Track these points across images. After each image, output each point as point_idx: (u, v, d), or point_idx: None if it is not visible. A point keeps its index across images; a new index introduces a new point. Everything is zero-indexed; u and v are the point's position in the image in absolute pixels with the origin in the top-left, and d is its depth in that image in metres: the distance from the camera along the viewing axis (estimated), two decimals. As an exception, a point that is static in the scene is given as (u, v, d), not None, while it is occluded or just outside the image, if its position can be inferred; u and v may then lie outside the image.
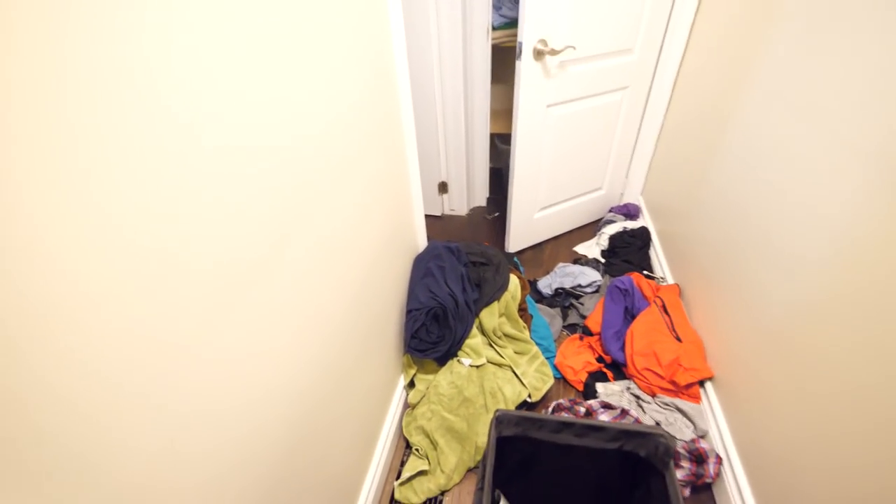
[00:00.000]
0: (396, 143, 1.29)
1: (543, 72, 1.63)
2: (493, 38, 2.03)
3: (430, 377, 1.48)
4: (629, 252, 2.03)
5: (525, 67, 1.58)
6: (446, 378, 1.46)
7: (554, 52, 1.56)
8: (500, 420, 0.91)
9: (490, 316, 1.55)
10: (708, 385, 1.42)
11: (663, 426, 1.35)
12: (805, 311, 0.97)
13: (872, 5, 0.84)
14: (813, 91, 1.01)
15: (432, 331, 1.40)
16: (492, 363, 1.52)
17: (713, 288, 1.45)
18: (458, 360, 1.50)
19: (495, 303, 1.56)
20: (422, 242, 1.67)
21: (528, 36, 1.51)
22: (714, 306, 1.44)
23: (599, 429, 0.89)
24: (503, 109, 2.61)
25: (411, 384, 1.49)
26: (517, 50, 1.55)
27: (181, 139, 0.49)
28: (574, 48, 1.58)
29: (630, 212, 2.29)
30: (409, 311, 1.43)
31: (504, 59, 2.27)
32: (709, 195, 1.52)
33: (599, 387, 1.54)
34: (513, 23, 2.19)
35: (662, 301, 1.62)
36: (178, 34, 0.47)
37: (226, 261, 0.58)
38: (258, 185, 0.64)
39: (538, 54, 1.56)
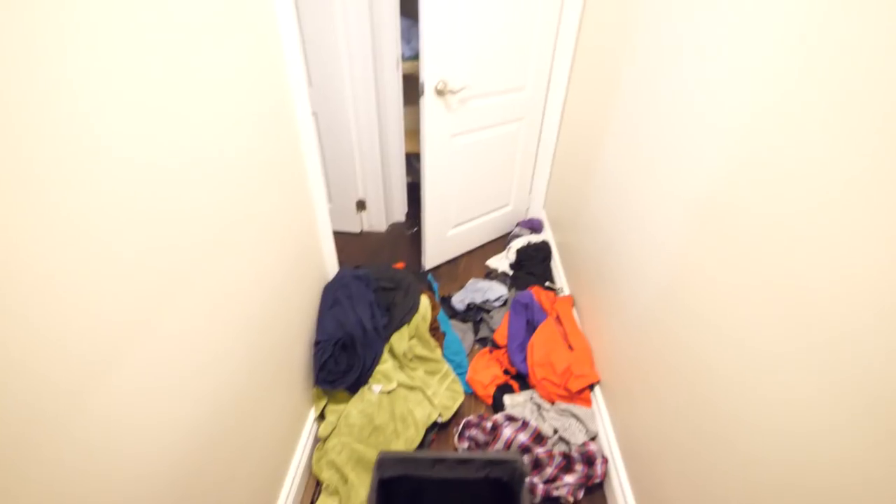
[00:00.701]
0: (297, 176, 1.29)
1: (445, 106, 1.71)
2: (403, 69, 2.10)
3: (342, 407, 1.46)
4: (533, 265, 2.18)
5: (428, 103, 1.65)
6: (357, 407, 1.46)
7: (453, 92, 1.66)
8: (382, 462, 0.96)
9: (400, 340, 1.59)
10: (597, 389, 1.57)
11: (560, 432, 1.48)
12: (649, 323, 1.13)
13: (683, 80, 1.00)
14: (645, 146, 1.18)
15: (341, 361, 1.41)
16: (403, 387, 1.56)
17: (596, 297, 1.61)
18: (369, 388, 1.52)
19: (405, 326, 1.60)
20: (332, 270, 1.67)
21: (428, 76, 1.59)
22: (597, 314, 1.60)
23: (468, 461, 0.98)
24: (417, 129, 2.67)
25: (322, 416, 1.48)
26: (420, 88, 1.62)
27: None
28: (471, 88, 1.69)
29: (534, 226, 2.45)
30: (316, 343, 1.43)
31: (416, 84, 2.33)
32: (588, 212, 1.70)
33: (506, 398, 1.64)
34: (421, 51, 2.26)
35: (558, 312, 1.77)
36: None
37: (110, 320, 0.59)
38: (141, 238, 0.65)
39: (439, 92, 1.64)
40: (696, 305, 0.93)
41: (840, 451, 0.59)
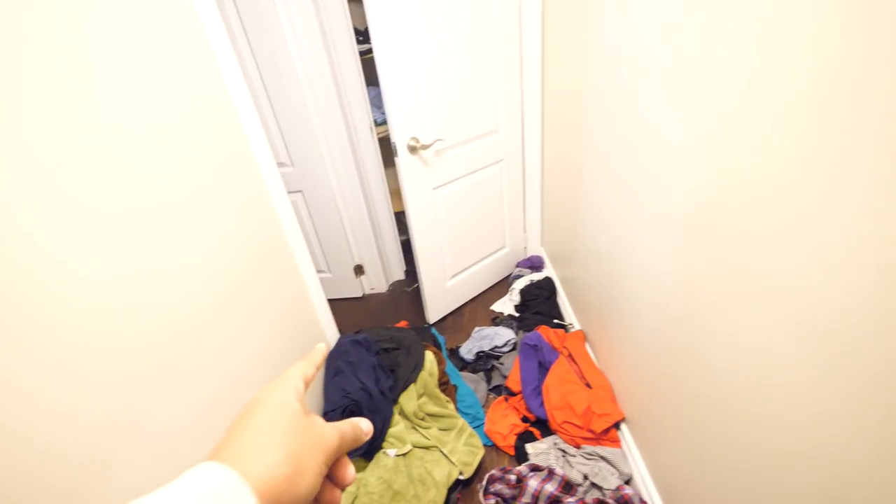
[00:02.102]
0: (282, 258, 1.30)
1: (422, 162, 1.75)
2: (378, 133, 2.17)
3: (360, 475, 1.40)
4: (538, 303, 2.12)
5: (404, 162, 1.69)
6: (374, 474, 1.39)
7: (425, 147, 1.70)
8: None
9: (409, 399, 1.52)
10: (623, 426, 1.46)
11: (590, 478, 1.36)
12: (661, 348, 1.06)
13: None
14: (622, 172, 1.17)
15: (348, 431, 1.34)
16: (418, 447, 1.47)
17: (606, 329, 1.54)
18: (384, 452, 1.44)
19: (413, 385, 1.54)
20: (332, 338, 1.63)
21: (399, 136, 1.64)
22: (610, 346, 1.52)
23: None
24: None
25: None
26: (393, 149, 1.67)
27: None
28: (443, 140, 1.72)
29: (535, 263, 2.41)
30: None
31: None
32: (583, 244, 1.66)
33: (529, 447, 1.52)
34: (396, 114, 2.35)
35: (569, 350, 1.69)
36: None
37: (97, 420, 0.58)
38: (127, 342, 0.64)
39: (412, 149, 1.68)
40: (704, 320, 0.88)
41: None
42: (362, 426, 0.35)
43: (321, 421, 0.32)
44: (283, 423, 0.30)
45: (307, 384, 0.35)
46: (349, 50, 1.90)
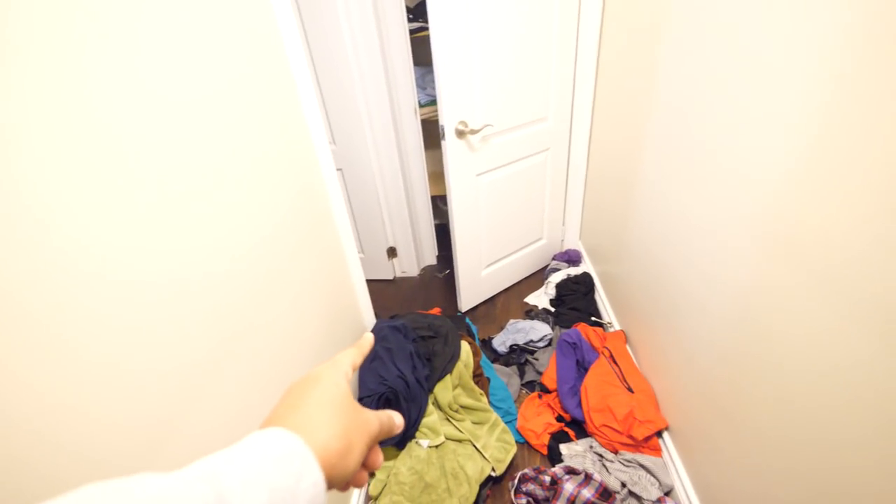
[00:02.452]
0: (330, 240, 1.27)
1: (468, 147, 1.68)
2: (421, 115, 2.10)
3: (391, 463, 1.39)
4: (575, 299, 2.05)
5: (450, 146, 1.62)
6: (405, 464, 1.37)
7: (474, 132, 1.62)
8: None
9: (444, 390, 1.49)
10: (665, 435, 1.40)
11: (629, 486, 1.31)
12: (716, 356, 0.99)
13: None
14: (692, 158, 1.07)
15: (384, 419, 1.32)
16: (451, 440, 1.44)
17: (652, 331, 1.46)
18: (417, 442, 1.42)
19: (448, 376, 1.50)
20: (369, 322, 1.61)
21: (448, 119, 1.57)
22: (656, 350, 1.45)
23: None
24: (441, 172, 2.67)
25: (371, 474, 1.39)
26: (440, 132, 1.60)
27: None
28: (492, 125, 1.65)
29: (572, 258, 2.33)
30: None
31: (435, 128, 2.34)
32: (632, 239, 1.57)
33: (563, 448, 1.48)
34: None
35: (610, 351, 1.62)
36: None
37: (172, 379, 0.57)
38: (192, 310, 0.63)
39: (460, 133, 1.61)
40: (773, 331, 0.80)
41: None
42: (396, 420, 0.37)
43: (363, 407, 0.34)
44: (338, 402, 0.31)
45: (354, 371, 0.37)
46: (400, 28, 1.82)
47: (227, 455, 0.24)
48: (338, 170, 2.12)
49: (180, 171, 0.63)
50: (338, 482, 0.29)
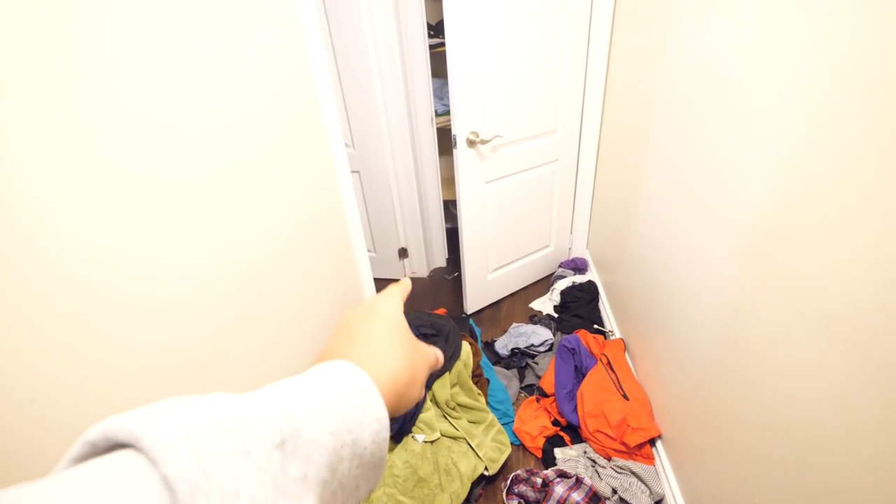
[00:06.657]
0: (342, 240, 1.30)
1: (478, 156, 1.70)
2: (437, 123, 2.14)
3: (386, 456, 1.39)
4: (579, 306, 2.02)
5: (461, 154, 1.65)
6: (401, 457, 1.37)
7: (484, 142, 1.65)
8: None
9: (442, 387, 1.49)
10: (659, 444, 1.36)
11: (619, 493, 1.28)
12: (704, 367, 0.97)
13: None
14: (682, 176, 1.06)
15: (382, 411, 1.33)
16: (446, 436, 1.44)
17: (648, 341, 1.43)
18: (413, 437, 1.42)
19: (447, 373, 1.50)
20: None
21: (460, 129, 1.61)
22: (652, 359, 1.42)
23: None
24: (453, 177, 2.69)
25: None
26: (452, 141, 1.63)
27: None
28: (501, 137, 1.67)
29: (578, 266, 2.30)
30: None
31: (450, 136, 2.37)
32: (632, 250, 1.55)
33: (557, 452, 1.46)
34: (455, 107, 2.31)
35: (608, 358, 1.60)
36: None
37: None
38: (207, 297, 0.67)
39: (471, 143, 1.64)
40: (758, 344, 0.78)
41: None
42: (439, 356, 0.36)
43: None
44: (400, 334, 0.31)
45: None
46: (420, 42, 1.88)
47: (297, 382, 0.24)
48: (355, 172, 2.15)
49: (226, 186, 0.67)
50: (403, 411, 0.29)
